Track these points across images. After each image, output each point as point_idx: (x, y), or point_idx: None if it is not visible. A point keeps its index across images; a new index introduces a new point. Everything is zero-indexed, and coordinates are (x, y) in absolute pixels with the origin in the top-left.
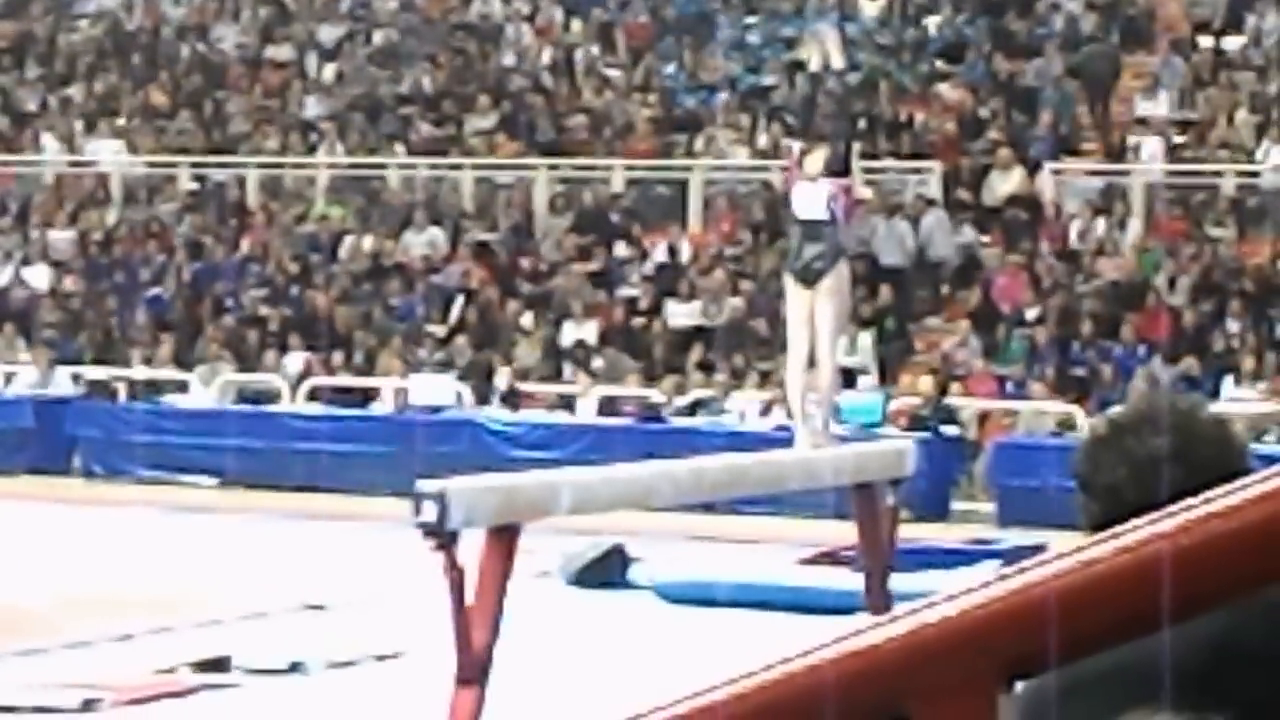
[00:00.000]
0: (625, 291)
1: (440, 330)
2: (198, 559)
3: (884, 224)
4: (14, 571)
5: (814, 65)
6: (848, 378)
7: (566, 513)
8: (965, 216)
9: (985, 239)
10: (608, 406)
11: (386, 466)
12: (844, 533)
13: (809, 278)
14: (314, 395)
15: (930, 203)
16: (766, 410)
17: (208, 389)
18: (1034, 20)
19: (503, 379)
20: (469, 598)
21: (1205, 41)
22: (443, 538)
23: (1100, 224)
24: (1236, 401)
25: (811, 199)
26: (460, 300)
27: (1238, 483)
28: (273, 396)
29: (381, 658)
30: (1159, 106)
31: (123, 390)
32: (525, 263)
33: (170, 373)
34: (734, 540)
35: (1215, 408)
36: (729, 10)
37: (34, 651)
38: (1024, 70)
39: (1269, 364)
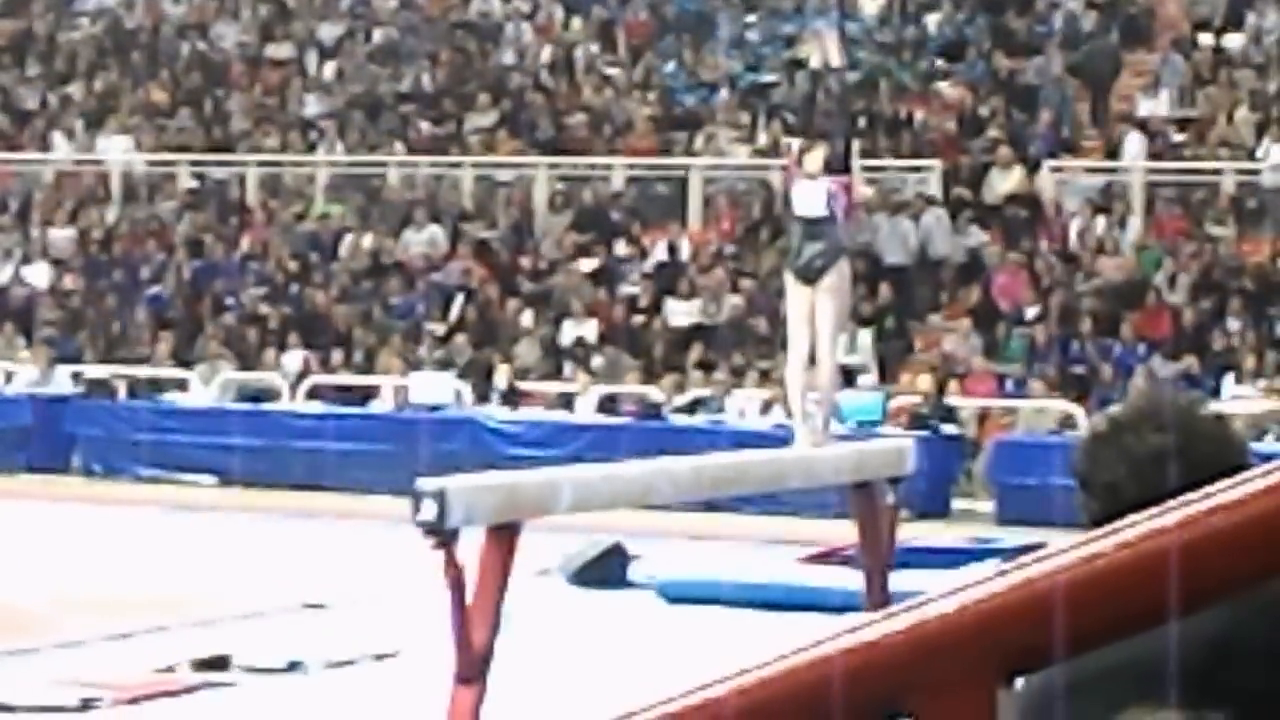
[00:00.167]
0: (625, 290)
1: (440, 328)
2: (197, 557)
3: (887, 222)
4: (13, 570)
5: (814, 63)
6: (848, 376)
7: (566, 511)
8: (965, 215)
9: (985, 237)
10: (607, 405)
11: (386, 465)
12: (844, 531)
13: (809, 276)
14: (314, 394)
15: (930, 201)
16: (766, 409)
17: (207, 387)
18: (1034, 18)
19: (502, 377)
20: (469, 596)
21: (1205, 40)
22: (442, 536)
23: (1100, 222)
24: (1237, 400)
25: (812, 197)
26: (460, 298)
27: (1239, 477)
28: (273, 395)
29: (381, 656)
30: (1159, 105)
31: (122, 389)
32: (525, 261)
33: (170, 371)
34: (734, 539)
35: (1216, 406)
36: (729, 8)
37: (33, 650)
38: (1024, 68)
39: (1269, 362)
